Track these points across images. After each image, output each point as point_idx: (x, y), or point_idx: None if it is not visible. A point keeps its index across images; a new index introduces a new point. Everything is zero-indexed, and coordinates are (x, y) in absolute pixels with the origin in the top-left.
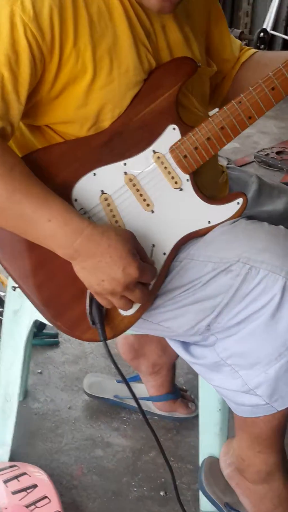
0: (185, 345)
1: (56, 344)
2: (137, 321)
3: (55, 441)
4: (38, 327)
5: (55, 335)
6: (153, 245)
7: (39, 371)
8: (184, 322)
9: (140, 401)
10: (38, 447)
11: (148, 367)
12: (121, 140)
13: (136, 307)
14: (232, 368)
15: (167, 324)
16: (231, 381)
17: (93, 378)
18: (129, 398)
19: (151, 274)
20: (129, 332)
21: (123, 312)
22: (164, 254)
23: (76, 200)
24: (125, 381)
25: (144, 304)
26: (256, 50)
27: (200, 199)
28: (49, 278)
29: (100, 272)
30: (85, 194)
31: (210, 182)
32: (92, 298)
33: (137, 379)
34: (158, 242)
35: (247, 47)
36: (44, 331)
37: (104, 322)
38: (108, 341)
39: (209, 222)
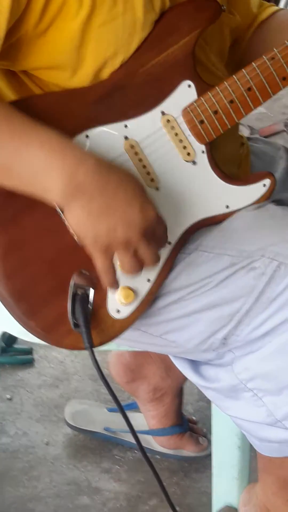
0: (195, 364)
1: (29, 363)
2: (131, 326)
3: (29, 485)
4: (6, 341)
5: (29, 351)
6: None
7: (9, 396)
8: (193, 334)
9: (138, 436)
10: (7, 493)
11: (148, 392)
12: (123, 95)
13: (129, 308)
14: (255, 393)
15: (172, 337)
16: (253, 411)
17: (77, 405)
18: (124, 431)
19: (165, 227)
20: (124, 347)
21: (114, 315)
22: (169, 243)
23: None
24: (119, 406)
25: (145, 300)
26: (279, 8)
27: (218, 177)
28: (23, 264)
29: (113, 214)
30: None
31: (229, 157)
32: (76, 293)
33: (133, 407)
34: None
35: (268, 4)
36: (15, 345)
37: (90, 324)
38: (98, 360)
39: (227, 206)
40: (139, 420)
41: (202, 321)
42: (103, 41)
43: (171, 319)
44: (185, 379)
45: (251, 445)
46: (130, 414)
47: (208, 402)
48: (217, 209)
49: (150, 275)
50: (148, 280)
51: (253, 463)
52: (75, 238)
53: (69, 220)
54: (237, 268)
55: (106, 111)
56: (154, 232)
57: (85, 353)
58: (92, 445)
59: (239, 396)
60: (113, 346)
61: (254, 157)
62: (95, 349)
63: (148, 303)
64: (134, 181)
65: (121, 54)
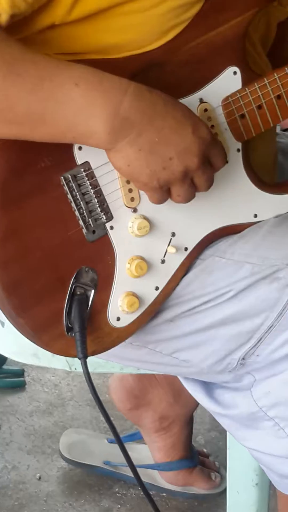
0: (209, 388)
1: (20, 386)
2: (130, 337)
3: None
4: None
5: (20, 373)
6: (173, 234)
7: None
8: (208, 352)
9: (142, 470)
10: None
11: (154, 421)
12: (160, 74)
13: (130, 317)
14: (276, 423)
15: (183, 355)
16: (273, 442)
17: (74, 435)
18: (125, 466)
19: (221, 145)
20: (128, 370)
21: (114, 322)
22: (186, 249)
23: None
24: (115, 433)
25: (148, 310)
26: None
27: (250, 181)
28: (21, 254)
29: (166, 144)
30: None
31: (263, 161)
32: (75, 293)
33: (137, 438)
34: (181, 231)
35: None
36: (4, 366)
37: (86, 329)
38: (96, 382)
39: (255, 215)
40: (143, 452)
41: (218, 338)
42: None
43: (183, 335)
44: (196, 405)
45: (270, 482)
46: (133, 446)
47: (222, 432)
48: (244, 217)
49: (159, 281)
50: (157, 288)
51: (272, 502)
52: (126, 180)
53: (118, 163)
54: (259, 278)
55: None
56: (210, 153)
57: (83, 376)
58: (90, 481)
59: (258, 425)
60: (116, 369)
61: (280, 155)
62: (94, 372)
63: (150, 314)
64: (178, 102)
65: None
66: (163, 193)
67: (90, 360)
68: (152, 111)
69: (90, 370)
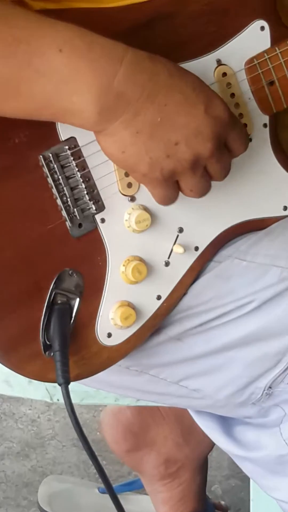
0: (226, 424)
1: None
2: (125, 359)
3: None
4: None
5: None
6: (180, 230)
7: None
8: (225, 380)
9: None
10: None
11: (158, 466)
12: (168, 28)
13: (125, 333)
14: None
15: (194, 383)
16: None
17: (56, 484)
18: None
19: (241, 126)
20: (125, 401)
21: (103, 339)
22: (197, 249)
23: None
24: (109, 486)
25: (148, 325)
26: None
27: (280, 164)
28: None
29: (171, 126)
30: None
31: None
32: (55, 301)
33: (136, 487)
34: (190, 227)
35: None
36: None
37: (68, 348)
38: (85, 417)
39: (285, 208)
40: (144, 505)
41: (238, 361)
42: None
43: (193, 358)
44: (211, 446)
45: None
46: (132, 497)
47: (244, 479)
48: (270, 210)
49: (162, 289)
50: (159, 297)
51: None
52: (120, 170)
53: (110, 149)
54: None
55: (140, 48)
56: (228, 136)
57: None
58: None
59: None
60: (109, 400)
61: None
62: (82, 404)
63: (151, 330)
64: (187, 72)
65: None
66: (169, 188)
67: (77, 389)
68: (153, 85)
69: (76, 401)
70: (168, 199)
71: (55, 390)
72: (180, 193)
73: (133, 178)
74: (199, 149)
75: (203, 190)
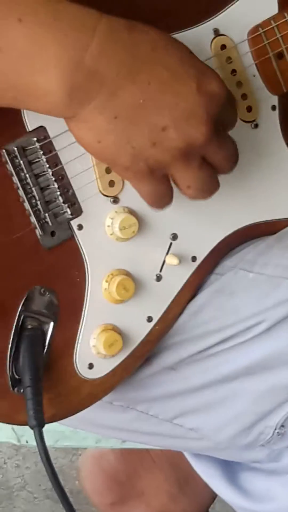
0: (230, 470)
1: None
2: (114, 388)
3: None
4: None
5: None
6: (174, 237)
7: None
8: (227, 417)
9: None
10: None
11: None
12: None
13: (110, 363)
14: None
15: (190, 421)
16: None
17: None
18: None
19: (234, 102)
20: (107, 444)
21: (84, 371)
22: (194, 259)
23: None
24: None
25: (138, 352)
26: None
27: None
28: None
29: (155, 108)
30: None
31: None
32: (24, 326)
33: None
34: (186, 233)
35: None
36: None
37: (42, 382)
38: (60, 462)
39: None
40: None
41: (244, 394)
42: None
43: (190, 391)
44: (212, 497)
45: None
46: None
47: None
48: (282, 210)
49: (153, 309)
50: (150, 319)
51: None
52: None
53: (84, 138)
54: None
55: (121, 17)
56: (224, 116)
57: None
58: None
59: None
60: (89, 442)
61: None
62: (57, 447)
63: (141, 359)
64: (174, 42)
65: None
66: (158, 183)
67: (50, 428)
68: (132, 59)
69: (50, 443)
70: (158, 198)
71: (24, 430)
72: (174, 192)
73: (114, 172)
74: (191, 135)
75: (207, 188)
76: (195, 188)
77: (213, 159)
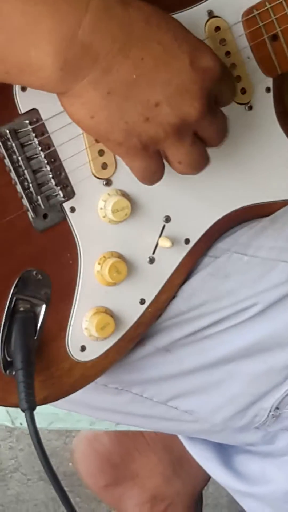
0: (225, 453)
1: None
2: (107, 371)
3: None
4: None
5: None
6: (167, 219)
7: None
8: (223, 398)
9: None
10: None
11: (143, 503)
12: None
13: (103, 345)
14: None
15: (185, 403)
16: None
17: None
18: None
19: (231, 77)
20: (102, 425)
21: (76, 354)
22: (188, 242)
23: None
24: None
25: (130, 335)
26: None
27: (287, 136)
28: None
29: (148, 83)
30: None
31: None
32: (16, 308)
33: None
34: (179, 215)
35: None
36: None
37: (34, 365)
38: (54, 444)
39: None
40: None
41: (238, 376)
42: None
43: (184, 373)
44: (206, 480)
45: None
46: None
47: None
48: (276, 192)
49: (146, 291)
50: (142, 301)
51: None
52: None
53: (77, 114)
54: None
55: None
56: (218, 90)
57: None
58: None
59: None
60: (83, 424)
61: None
62: (50, 429)
63: (134, 341)
64: (167, 18)
65: None
66: (151, 159)
67: (44, 411)
68: (126, 35)
69: (43, 425)
70: (151, 174)
71: (18, 412)
72: (166, 173)
73: (107, 148)
74: (185, 110)
75: (197, 163)
76: (186, 163)
77: (204, 134)
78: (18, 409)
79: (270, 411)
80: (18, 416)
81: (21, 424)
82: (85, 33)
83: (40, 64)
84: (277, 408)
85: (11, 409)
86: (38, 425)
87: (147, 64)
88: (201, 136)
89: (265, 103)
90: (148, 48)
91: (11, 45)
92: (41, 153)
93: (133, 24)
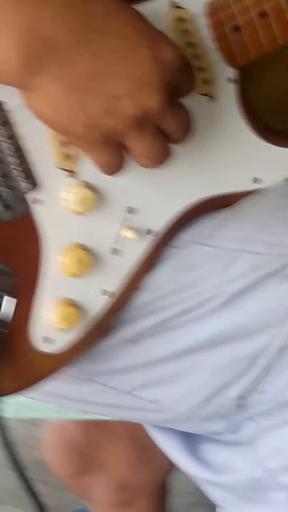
0: (191, 442)
1: None
2: (72, 362)
3: None
4: None
5: None
6: (129, 210)
7: None
8: (188, 388)
9: None
10: None
11: (110, 492)
12: None
13: (68, 336)
14: None
15: (150, 393)
16: None
17: None
18: None
19: (189, 65)
20: (68, 415)
21: (40, 345)
22: (149, 232)
23: None
24: None
25: (96, 325)
26: None
27: (248, 127)
28: None
29: (107, 76)
30: None
31: (270, 97)
32: None
33: None
34: (141, 205)
35: None
36: None
37: (1, 357)
38: (21, 433)
39: (255, 180)
40: None
41: (203, 366)
42: None
43: (149, 363)
44: (170, 467)
45: None
46: None
47: (212, 507)
48: (237, 183)
49: (109, 282)
50: (105, 292)
51: None
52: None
53: (38, 107)
54: (263, 275)
55: None
56: (179, 81)
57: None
58: None
59: (265, 497)
60: (50, 413)
61: None
62: (17, 418)
63: (97, 332)
64: (127, 8)
65: None
66: (112, 152)
67: (11, 400)
68: (85, 28)
69: (11, 415)
70: (111, 166)
71: None
72: (128, 165)
73: (68, 141)
74: (145, 103)
75: (159, 156)
76: (147, 156)
77: (166, 127)
78: None
79: (234, 401)
80: None
81: None
82: (45, 26)
83: (1, 58)
84: (241, 397)
85: None
86: (6, 415)
87: (106, 57)
88: (163, 129)
89: (228, 94)
90: (107, 40)
91: None
92: (4, 144)
93: (92, 17)
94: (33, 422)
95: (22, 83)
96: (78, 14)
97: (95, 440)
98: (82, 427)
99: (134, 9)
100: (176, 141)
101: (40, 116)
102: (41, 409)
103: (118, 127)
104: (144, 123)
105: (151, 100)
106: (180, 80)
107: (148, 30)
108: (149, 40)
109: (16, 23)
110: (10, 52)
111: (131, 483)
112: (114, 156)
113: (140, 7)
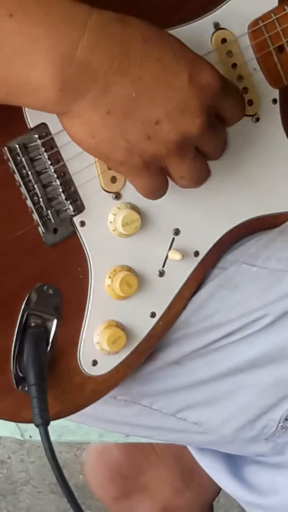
0: (235, 464)
1: None
2: (119, 385)
3: None
4: None
5: None
6: (176, 232)
7: None
8: (232, 410)
9: None
10: None
11: None
12: None
13: (114, 359)
14: None
15: (194, 415)
16: None
17: None
18: None
19: (237, 90)
20: (111, 437)
21: (88, 368)
22: (197, 254)
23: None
24: None
25: (142, 348)
26: None
27: None
28: None
29: (148, 101)
30: None
31: None
32: (28, 324)
33: None
34: (188, 228)
35: None
36: None
37: (46, 380)
38: (64, 456)
39: None
40: None
41: (247, 388)
42: None
43: (194, 385)
44: (217, 491)
45: None
46: None
47: None
48: (285, 203)
49: (157, 304)
50: (153, 315)
51: None
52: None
53: (78, 134)
54: None
55: (121, 12)
56: (220, 107)
57: (43, 448)
58: None
59: None
60: (93, 436)
61: None
62: (60, 442)
63: (145, 354)
64: (166, 35)
65: None
66: (153, 177)
67: (54, 423)
68: (124, 53)
69: (53, 438)
70: (155, 191)
71: (27, 424)
72: (173, 186)
73: (109, 167)
74: (185, 127)
75: (199, 176)
76: (188, 178)
77: (205, 148)
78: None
79: (279, 422)
80: (27, 429)
81: (30, 436)
82: (83, 53)
83: (38, 84)
84: (286, 419)
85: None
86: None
87: (146, 82)
88: (202, 151)
89: (272, 115)
90: (146, 65)
91: (10, 66)
92: (51, 167)
93: (131, 42)
94: (77, 446)
95: (60, 110)
96: (116, 39)
97: (138, 463)
98: (125, 450)
99: (171, 35)
100: (214, 159)
101: (79, 143)
102: (84, 432)
103: (159, 152)
104: (184, 147)
105: (191, 125)
106: (223, 103)
107: (187, 54)
108: (188, 64)
109: (52, 50)
110: (48, 79)
111: (175, 507)
112: (156, 180)
113: (185, 28)
